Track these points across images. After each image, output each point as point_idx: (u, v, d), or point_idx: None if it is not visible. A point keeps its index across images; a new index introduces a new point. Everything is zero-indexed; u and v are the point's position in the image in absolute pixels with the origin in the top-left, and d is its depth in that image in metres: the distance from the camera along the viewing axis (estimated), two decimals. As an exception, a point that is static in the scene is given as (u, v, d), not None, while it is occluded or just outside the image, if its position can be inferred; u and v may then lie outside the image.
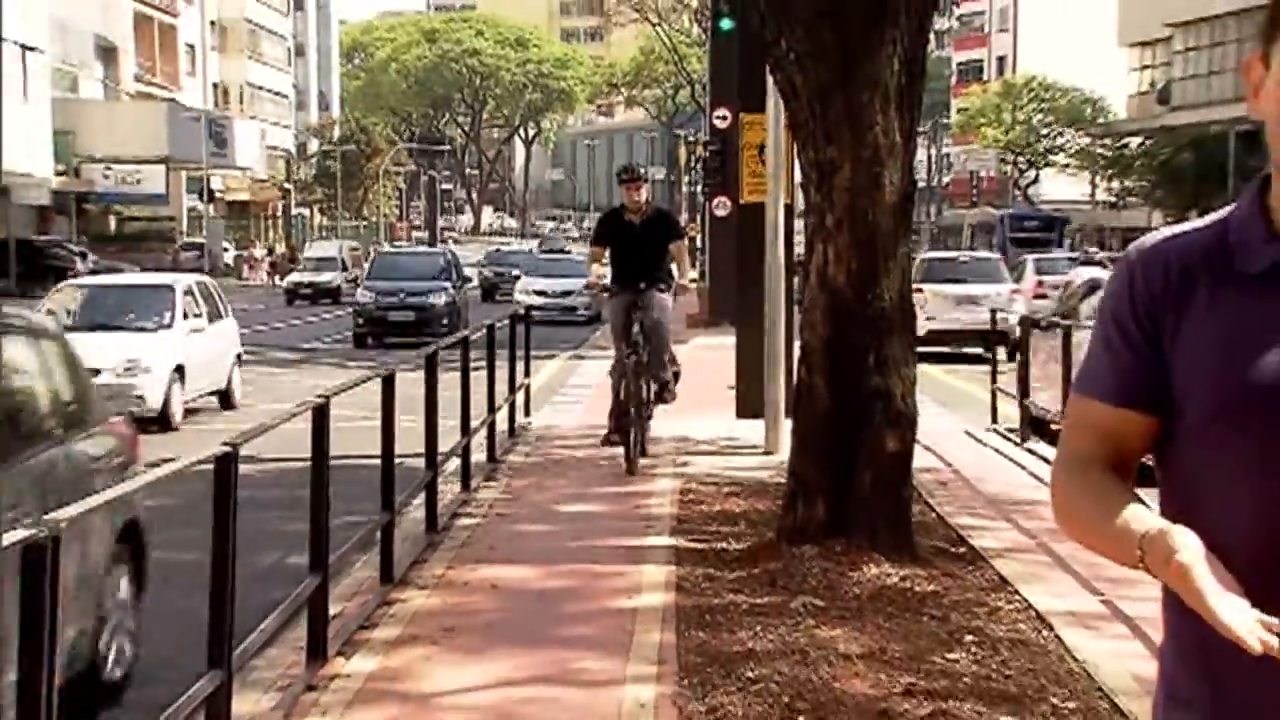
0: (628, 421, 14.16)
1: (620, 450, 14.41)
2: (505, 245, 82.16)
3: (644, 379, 14.52)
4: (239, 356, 23.29)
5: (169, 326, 20.70)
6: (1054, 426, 16.52)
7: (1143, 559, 2.19)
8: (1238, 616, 2.07)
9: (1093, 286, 19.02)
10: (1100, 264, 26.28)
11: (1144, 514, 2.26)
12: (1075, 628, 8.46)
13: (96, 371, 16.08)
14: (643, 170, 15.61)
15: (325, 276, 58.61)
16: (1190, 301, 2.34)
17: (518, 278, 51.09)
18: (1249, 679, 2.26)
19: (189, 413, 20.49)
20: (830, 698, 7.15)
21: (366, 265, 41.41)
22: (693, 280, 21.63)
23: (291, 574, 8.16)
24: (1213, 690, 2.34)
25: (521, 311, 19.60)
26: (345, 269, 58.78)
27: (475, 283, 55.29)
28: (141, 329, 20.50)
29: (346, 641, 8.21)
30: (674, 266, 15.26)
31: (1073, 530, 2.45)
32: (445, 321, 33.80)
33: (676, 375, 15.34)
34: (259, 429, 7.22)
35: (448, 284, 36.86)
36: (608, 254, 15.30)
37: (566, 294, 36.11)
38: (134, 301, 21.84)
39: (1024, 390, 17.83)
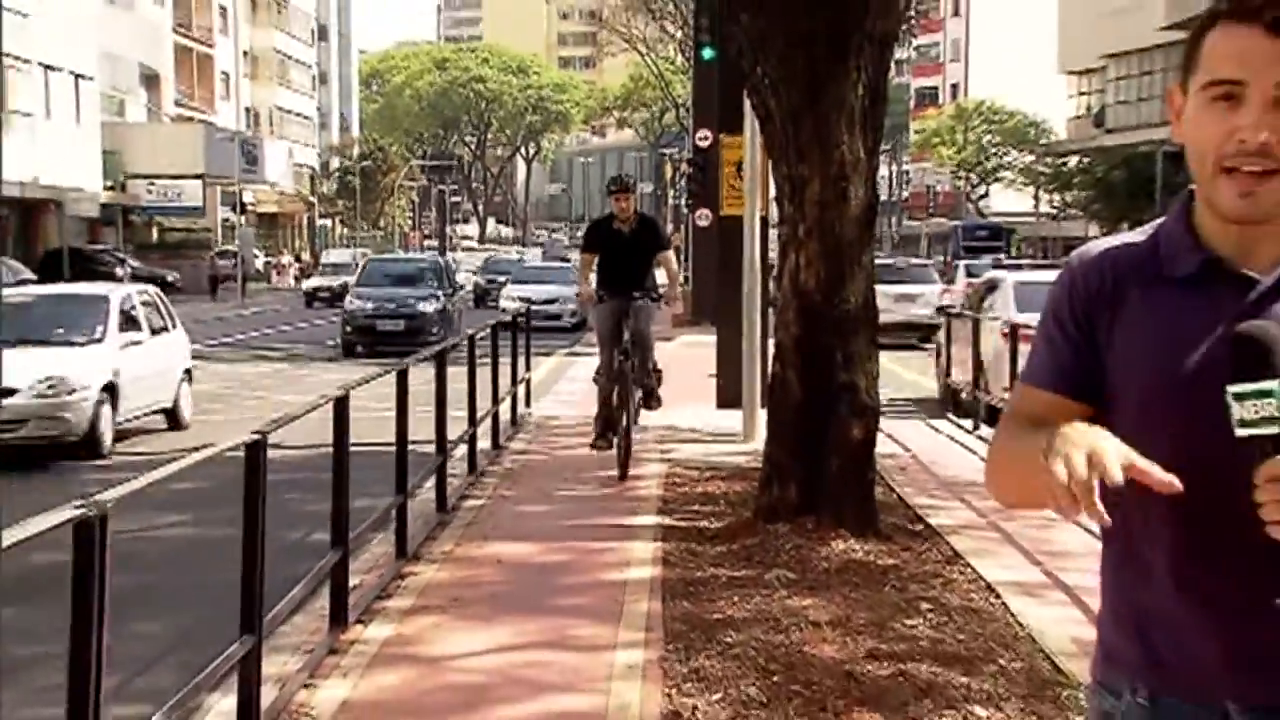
0: (617, 427, 12.97)
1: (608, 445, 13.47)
2: (501, 254, 78.63)
3: (633, 385, 13.33)
4: (189, 372, 19.47)
5: (100, 341, 17.12)
6: (963, 396, 18.71)
7: (1045, 457, 2.12)
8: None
9: (991, 286, 20.56)
10: (1015, 267, 26.97)
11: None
12: (1021, 597, 8.47)
13: (10, 391, 14.57)
14: (631, 181, 14.28)
15: (340, 280, 56.24)
16: (1124, 303, 2.36)
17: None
18: (1173, 640, 2.31)
19: (126, 435, 17.36)
20: (801, 661, 7.15)
21: (356, 272, 36.19)
22: (681, 287, 20.37)
23: (315, 549, 8.15)
24: (1142, 649, 2.36)
25: (508, 319, 18.21)
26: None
27: (471, 289, 53.22)
28: (69, 344, 16.99)
29: (365, 610, 8.22)
30: (659, 273, 14.09)
31: (994, 475, 2.45)
32: (436, 330, 30.40)
33: (659, 381, 14.20)
34: (285, 419, 7.20)
35: (438, 292, 33.09)
36: (596, 262, 14.16)
37: (551, 301, 32.03)
38: (63, 314, 18.12)
39: (946, 370, 19.57)
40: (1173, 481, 2.08)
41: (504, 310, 29.54)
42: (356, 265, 57.06)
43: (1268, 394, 2.08)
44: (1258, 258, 2.29)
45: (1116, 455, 2.08)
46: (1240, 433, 2.09)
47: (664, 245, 14.35)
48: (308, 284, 61.10)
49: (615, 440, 12.92)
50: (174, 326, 19.61)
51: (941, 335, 21.70)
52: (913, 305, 30.92)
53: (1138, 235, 2.46)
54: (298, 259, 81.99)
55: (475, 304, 49.71)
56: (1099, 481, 2.07)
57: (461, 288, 34.72)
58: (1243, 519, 2.11)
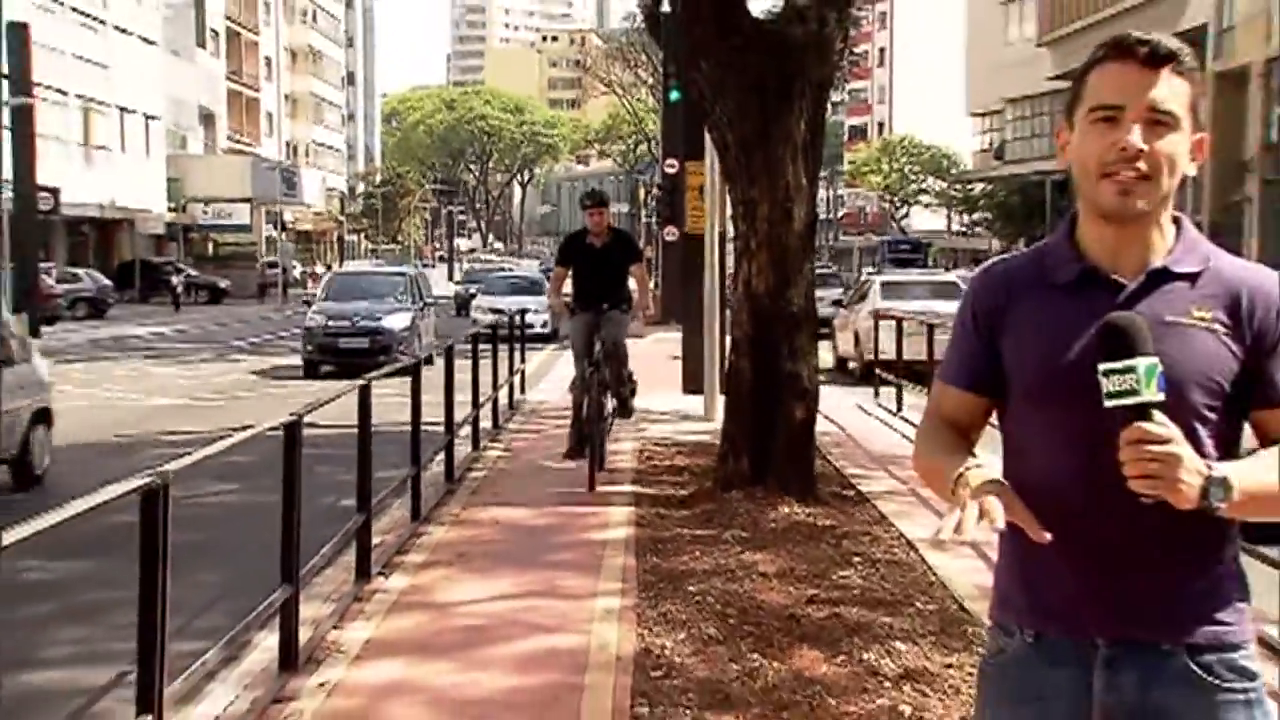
0: (589, 437, 11.23)
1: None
2: (488, 265, 73.27)
3: (605, 396, 11.78)
4: (44, 413, 12.68)
5: None
6: (851, 365, 23.57)
7: (954, 490, 2.29)
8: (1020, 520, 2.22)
9: (864, 285, 26.13)
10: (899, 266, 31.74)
11: (958, 461, 2.33)
12: (934, 551, 8.47)
13: None
14: (604, 195, 12.34)
15: None
16: (1018, 307, 2.39)
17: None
18: (1054, 586, 2.33)
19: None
20: (752, 605, 7.16)
21: (321, 286, 28.38)
22: (653, 292, 19.66)
23: (343, 513, 8.13)
24: (1030, 595, 2.38)
25: (484, 331, 16.31)
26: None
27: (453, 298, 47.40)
28: None
29: (385, 564, 8.22)
30: (633, 284, 12.48)
31: (922, 473, 2.53)
32: (404, 348, 23.88)
33: (633, 390, 12.67)
34: (317, 404, 7.19)
35: (408, 306, 25.98)
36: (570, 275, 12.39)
37: (523, 312, 23.14)
38: None
39: (835, 346, 24.90)
40: (1043, 535, 2.20)
41: (476, 322, 26.32)
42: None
43: (1130, 370, 2.12)
44: (1125, 266, 2.33)
45: (1000, 509, 2.18)
46: (1108, 404, 2.13)
47: (636, 258, 12.49)
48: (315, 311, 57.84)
49: (589, 451, 11.15)
50: (27, 357, 12.97)
51: (836, 321, 25.29)
52: (820, 304, 30.78)
53: (1029, 251, 2.51)
54: (329, 268, 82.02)
55: (457, 312, 43.63)
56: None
57: (434, 302, 28.04)
58: (1111, 480, 2.14)
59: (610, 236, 12.13)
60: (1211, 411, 2.26)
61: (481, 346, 14.76)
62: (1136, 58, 2.27)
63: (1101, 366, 2.15)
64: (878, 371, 18.50)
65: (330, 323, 24.63)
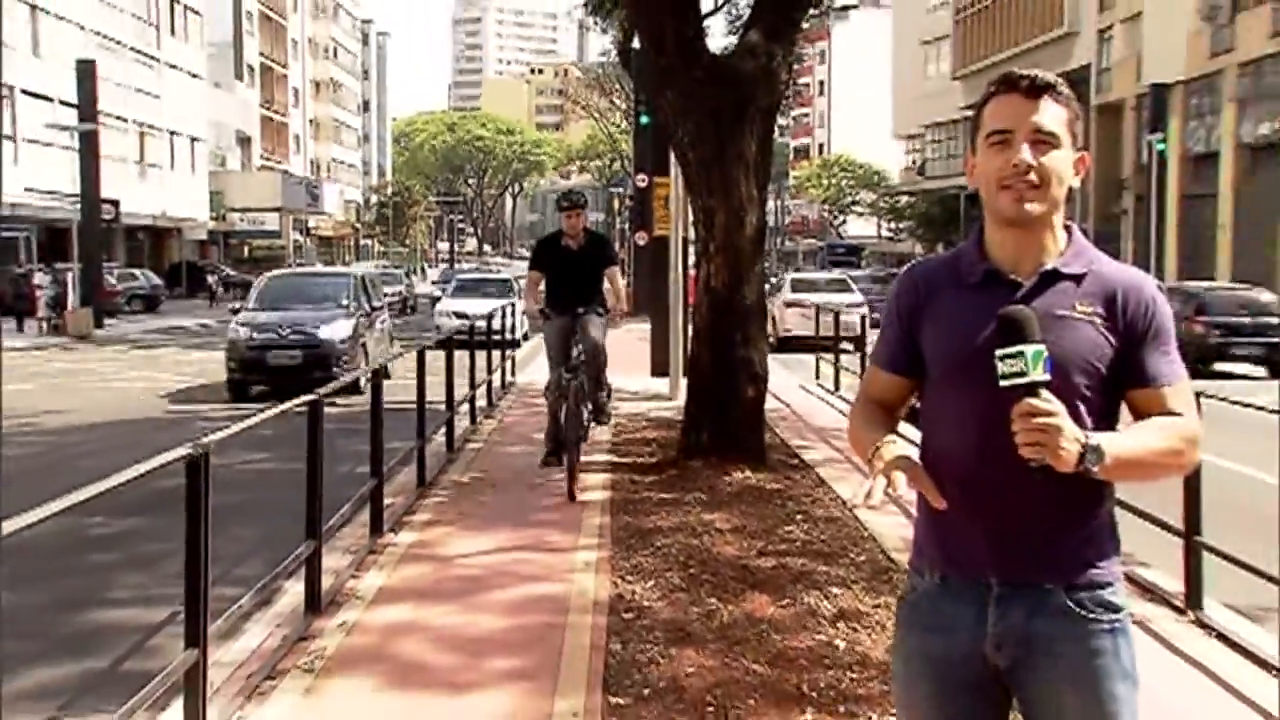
0: (566, 444, 9.37)
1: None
2: (465, 266, 69.40)
3: (583, 403, 9.78)
4: None
5: None
6: (770, 338, 23.08)
7: (870, 458, 2.37)
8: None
9: (781, 281, 28.27)
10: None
11: (879, 436, 2.39)
12: (865, 510, 8.43)
13: None
14: (582, 198, 10.18)
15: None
16: (934, 303, 2.43)
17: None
18: (957, 536, 2.37)
19: None
20: (710, 558, 7.14)
21: (253, 291, 20.58)
22: (626, 294, 14.13)
23: (359, 479, 8.07)
24: (938, 544, 2.43)
25: (441, 339, 12.84)
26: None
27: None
28: None
29: (395, 523, 8.16)
30: (608, 290, 10.19)
31: (852, 444, 2.53)
32: (345, 361, 17.53)
33: (610, 394, 10.77)
34: (337, 386, 7.15)
35: (351, 312, 18.71)
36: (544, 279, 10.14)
37: (489, 316, 18.41)
38: None
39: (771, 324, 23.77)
40: (940, 501, 2.30)
41: (439, 328, 22.55)
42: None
43: (1020, 355, 2.17)
44: (1022, 268, 2.38)
45: (904, 480, 2.29)
46: (1003, 384, 2.19)
47: (611, 261, 10.26)
48: None
49: (565, 457, 9.41)
50: None
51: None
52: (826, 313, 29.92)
53: (946, 254, 2.54)
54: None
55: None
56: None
57: (381, 306, 20.82)
58: (1006, 448, 2.19)
59: (586, 239, 9.94)
60: (1091, 391, 2.30)
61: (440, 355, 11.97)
62: (1020, 90, 2.34)
63: (997, 352, 2.20)
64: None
65: (256, 335, 17.86)
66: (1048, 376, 2.16)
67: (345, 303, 18.59)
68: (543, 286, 10.00)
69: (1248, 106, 41.19)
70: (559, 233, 10.02)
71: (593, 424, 10.34)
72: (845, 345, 17.89)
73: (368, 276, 21.45)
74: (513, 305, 22.84)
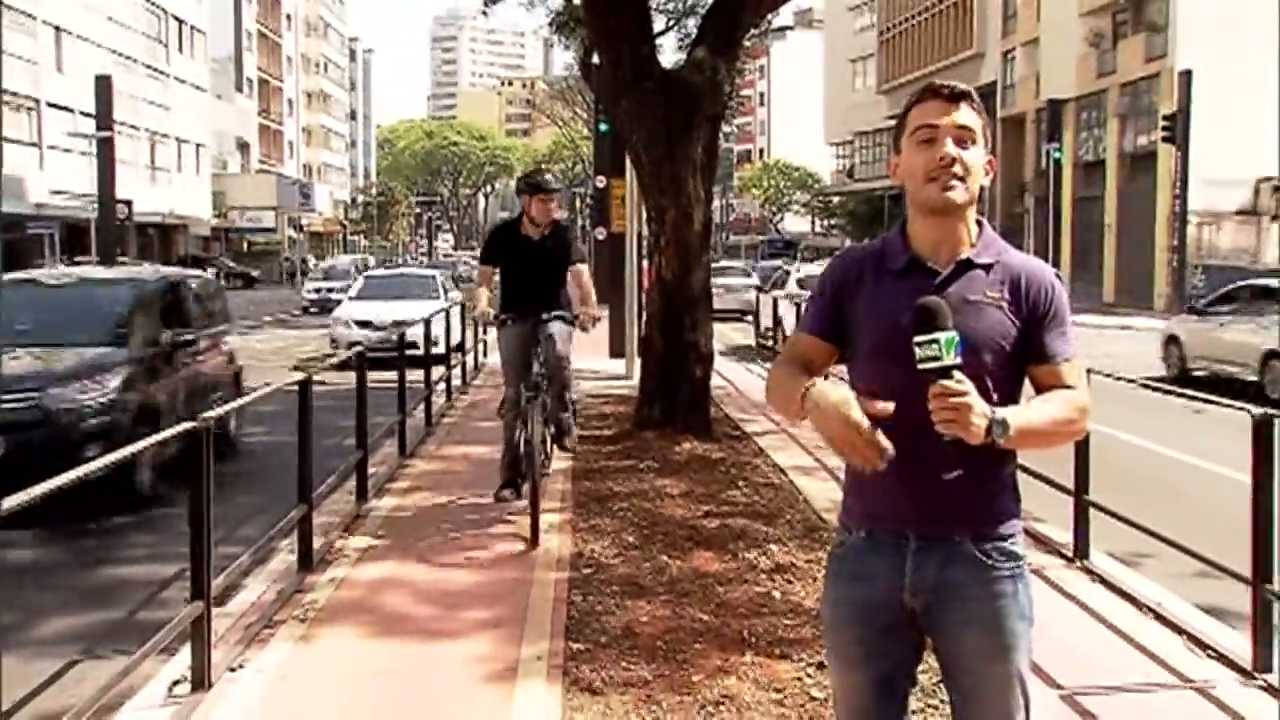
0: (525, 475, 6.98)
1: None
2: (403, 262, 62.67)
3: (545, 427, 7.36)
4: None
5: None
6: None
7: (802, 404, 2.27)
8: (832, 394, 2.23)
9: (785, 275, 22.66)
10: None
11: (803, 383, 2.30)
12: (801, 476, 8.49)
13: None
14: (551, 181, 7.58)
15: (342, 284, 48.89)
16: (861, 284, 2.42)
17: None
18: (880, 497, 2.38)
19: None
20: (662, 518, 7.12)
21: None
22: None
23: (346, 450, 8.00)
24: (863, 503, 2.44)
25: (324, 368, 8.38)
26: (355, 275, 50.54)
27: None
28: None
29: (379, 490, 8.08)
30: (572, 292, 7.64)
31: (771, 398, 2.46)
32: (90, 427, 7.76)
33: (575, 414, 8.06)
34: (324, 365, 7.09)
35: (114, 356, 8.38)
36: (499, 277, 7.59)
37: (402, 323, 12.97)
38: None
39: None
40: (887, 407, 2.19)
41: (333, 342, 16.70)
42: (353, 271, 38.26)
43: (934, 342, 2.18)
44: (941, 258, 2.39)
45: (859, 413, 2.18)
46: (920, 367, 2.19)
47: (577, 257, 7.58)
48: (308, 288, 48.54)
49: (523, 489, 7.08)
50: None
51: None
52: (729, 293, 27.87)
53: (873, 243, 2.53)
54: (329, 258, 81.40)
55: None
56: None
57: (182, 341, 9.54)
58: (924, 422, 2.19)
59: (551, 230, 7.45)
60: (998, 368, 2.32)
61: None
62: (942, 96, 2.36)
63: (915, 339, 2.20)
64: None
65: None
66: (959, 360, 2.17)
67: (110, 336, 9.01)
68: (498, 283, 7.59)
69: (1128, 121, 41.78)
70: (518, 219, 7.49)
71: (554, 447, 7.88)
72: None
73: (180, 280, 11.15)
74: (442, 309, 15.51)
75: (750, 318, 21.46)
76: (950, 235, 2.37)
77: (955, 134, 2.32)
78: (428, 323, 13.34)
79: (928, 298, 2.23)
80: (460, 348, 15.56)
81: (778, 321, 18.91)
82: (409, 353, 10.77)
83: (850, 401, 2.20)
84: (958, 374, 2.17)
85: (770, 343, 19.72)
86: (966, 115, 2.34)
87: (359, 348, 6.49)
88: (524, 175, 7.60)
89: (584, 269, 7.56)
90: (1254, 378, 15.08)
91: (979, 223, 2.41)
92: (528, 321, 7.24)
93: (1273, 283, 16.80)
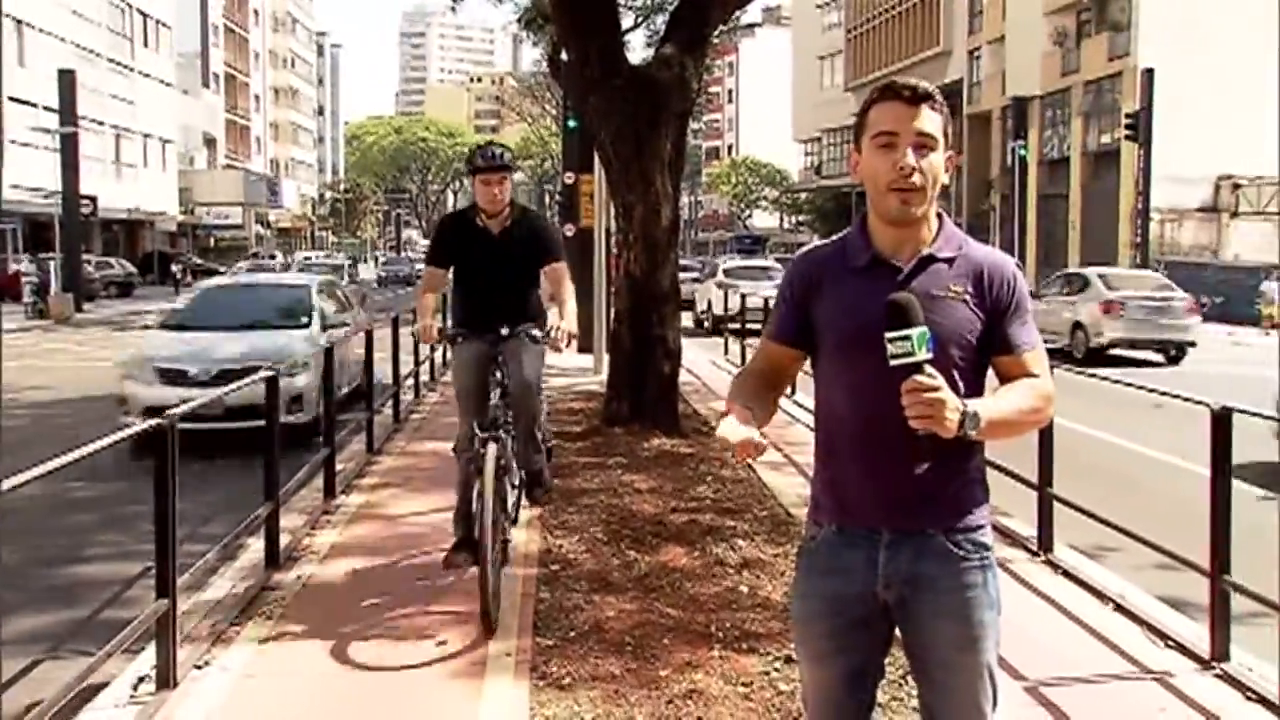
0: (482, 535, 5.06)
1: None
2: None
3: (506, 474, 5.59)
4: None
5: None
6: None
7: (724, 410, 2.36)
8: (733, 435, 2.25)
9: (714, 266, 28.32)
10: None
11: (738, 401, 2.37)
12: (769, 471, 8.49)
13: None
14: (506, 155, 5.78)
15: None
16: (824, 283, 2.42)
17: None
18: (851, 493, 2.40)
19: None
20: (630, 514, 7.12)
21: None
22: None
23: (314, 446, 7.95)
24: (834, 499, 2.44)
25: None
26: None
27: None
28: None
29: (346, 486, 8.04)
30: (544, 298, 6.06)
31: (726, 404, 2.47)
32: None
33: (549, 455, 6.48)
34: (291, 364, 7.01)
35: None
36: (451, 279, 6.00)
37: (242, 374, 7.89)
38: None
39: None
40: (761, 446, 2.25)
41: (123, 403, 10.10)
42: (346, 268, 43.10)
43: (907, 338, 2.18)
44: (903, 254, 2.39)
45: (740, 448, 2.24)
46: (893, 363, 2.19)
47: (553, 253, 5.91)
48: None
49: (482, 557, 5.06)
50: None
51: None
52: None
53: (833, 241, 2.52)
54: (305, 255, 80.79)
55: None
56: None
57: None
58: (894, 417, 2.20)
59: (515, 219, 5.80)
60: (965, 360, 2.34)
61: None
62: (903, 98, 2.33)
63: (887, 335, 2.19)
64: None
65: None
66: (931, 355, 2.18)
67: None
68: (451, 290, 6.05)
69: (1092, 119, 42.15)
70: (471, 208, 5.84)
71: (523, 498, 6.13)
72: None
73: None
74: (322, 346, 9.09)
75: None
76: (912, 234, 2.38)
77: (915, 141, 2.30)
78: (273, 380, 6.30)
79: (899, 294, 2.24)
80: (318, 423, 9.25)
81: (709, 305, 25.49)
82: (244, 425, 8.30)
83: (736, 438, 2.23)
84: (929, 368, 2.18)
85: (706, 322, 25.83)
86: (928, 120, 2.32)
87: (158, 420, 4.45)
88: (471, 151, 5.81)
89: (562, 268, 5.76)
90: (1066, 343, 20.57)
91: (939, 216, 2.42)
92: (486, 339, 5.61)
93: (1086, 271, 22.86)
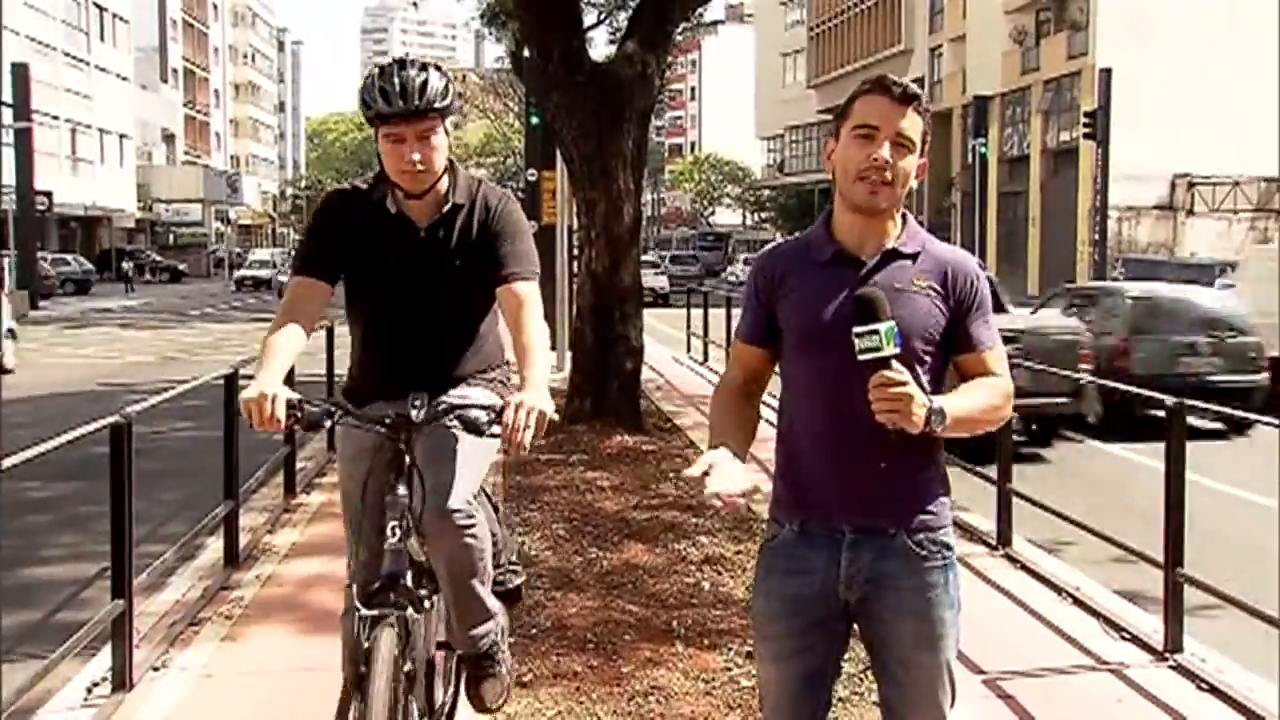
0: None
1: None
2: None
3: (419, 678, 2.77)
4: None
5: None
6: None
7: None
8: (713, 486, 2.23)
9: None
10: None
11: (726, 434, 2.38)
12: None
13: None
14: (437, 87, 2.78)
15: (265, 272, 48.49)
16: (787, 280, 2.41)
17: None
18: (812, 489, 2.39)
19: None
20: (592, 512, 7.12)
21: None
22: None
23: (274, 445, 7.87)
24: (795, 496, 2.44)
25: None
26: (275, 267, 48.07)
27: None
28: None
29: (307, 485, 7.99)
30: (504, 339, 3.11)
31: (709, 423, 2.51)
32: None
33: (516, 597, 3.52)
34: (250, 359, 6.92)
35: None
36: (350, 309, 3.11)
37: None
38: None
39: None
40: (735, 503, 2.23)
41: None
42: (274, 260, 48.10)
43: (875, 333, 2.17)
44: (867, 248, 2.39)
45: (712, 484, 2.22)
46: (861, 358, 2.19)
47: (519, 263, 2.97)
48: (237, 274, 50.57)
49: None
50: None
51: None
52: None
53: (797, 238, 2.52)
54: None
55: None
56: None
57: None
58: (858, 413, 2.21)
59: (455, 203, 3.03)
60: (929, 355, 2.33)
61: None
62: (891, 95, 2.33)
63: (855, 330, 2.19)
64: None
65: None
66: (898, 350, 2.18)
67: None
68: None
69: (1050, 117, 42.61)
70: (377, 182, 3.09)
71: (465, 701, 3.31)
72: None
73: None
74: None
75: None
76: (876, 228, 2.37)
77: (895, 139, 2.31)
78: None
79: (866, 289, 2.24)
80: None
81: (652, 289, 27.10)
82: None
83: (715, 481, 2.22)
84: (896, 363, 2.18)
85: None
86: (910, 122, 2.32)
87: (114, 419, 4.33)
88: (369, 77, 3.02)
89: (531, 290, 3.04)
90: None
91: (903, 215, 2.43)
92: (389, 413, 2.91)
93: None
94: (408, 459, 2.84)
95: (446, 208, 3.04)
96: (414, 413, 2.85)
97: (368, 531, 3.00)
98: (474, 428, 2.81)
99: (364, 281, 3.09)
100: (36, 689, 3.94)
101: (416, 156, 2.91)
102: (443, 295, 3.05)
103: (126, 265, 48.39)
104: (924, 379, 2.29)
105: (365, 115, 2.96)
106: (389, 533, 2.78)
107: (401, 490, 2.80)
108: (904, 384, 2.16)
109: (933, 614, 2.37)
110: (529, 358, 2.92)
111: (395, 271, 3.03)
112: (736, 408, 2.48)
